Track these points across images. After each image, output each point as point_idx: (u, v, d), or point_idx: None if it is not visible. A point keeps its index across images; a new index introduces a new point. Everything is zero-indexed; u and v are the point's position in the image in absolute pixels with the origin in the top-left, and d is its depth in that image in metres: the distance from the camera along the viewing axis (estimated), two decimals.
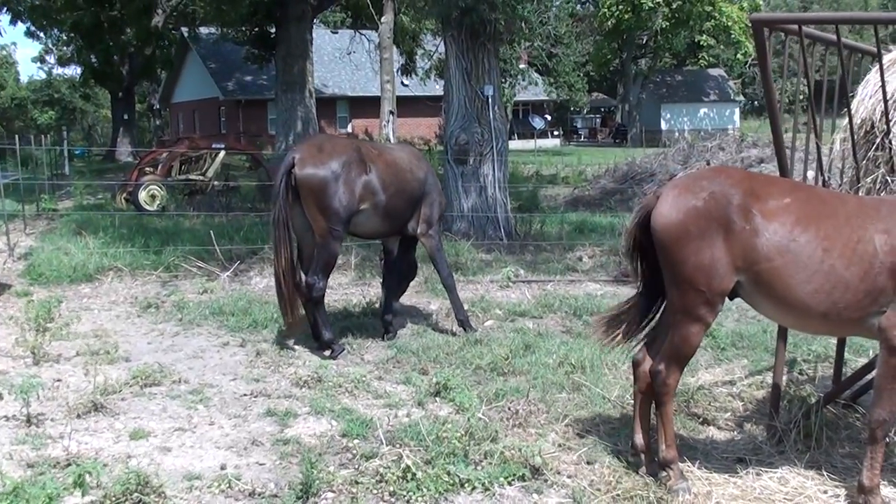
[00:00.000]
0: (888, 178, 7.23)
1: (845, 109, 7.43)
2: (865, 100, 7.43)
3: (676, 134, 50.38)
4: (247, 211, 22.64)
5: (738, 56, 69.75)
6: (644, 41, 77.71)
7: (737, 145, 31.06)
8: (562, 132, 79.15)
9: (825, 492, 6.79)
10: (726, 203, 6.33)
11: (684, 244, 6.38)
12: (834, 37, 7.10)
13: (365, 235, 11.66)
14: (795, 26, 7.30)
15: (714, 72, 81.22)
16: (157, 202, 24.36)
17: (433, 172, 11.56)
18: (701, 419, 8.36)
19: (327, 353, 10.34)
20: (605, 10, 69.96)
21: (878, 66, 7.16)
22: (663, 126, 73.18)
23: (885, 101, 7.06)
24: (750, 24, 7.26)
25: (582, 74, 71.65)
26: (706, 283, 6.36)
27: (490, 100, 18.67)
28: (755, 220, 6.30)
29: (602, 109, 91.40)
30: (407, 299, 12.64)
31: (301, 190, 10.10)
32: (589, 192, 28.44)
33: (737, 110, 78.31)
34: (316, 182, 10.07)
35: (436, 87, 47.54)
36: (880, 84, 7.02)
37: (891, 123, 7.08)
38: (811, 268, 6.25)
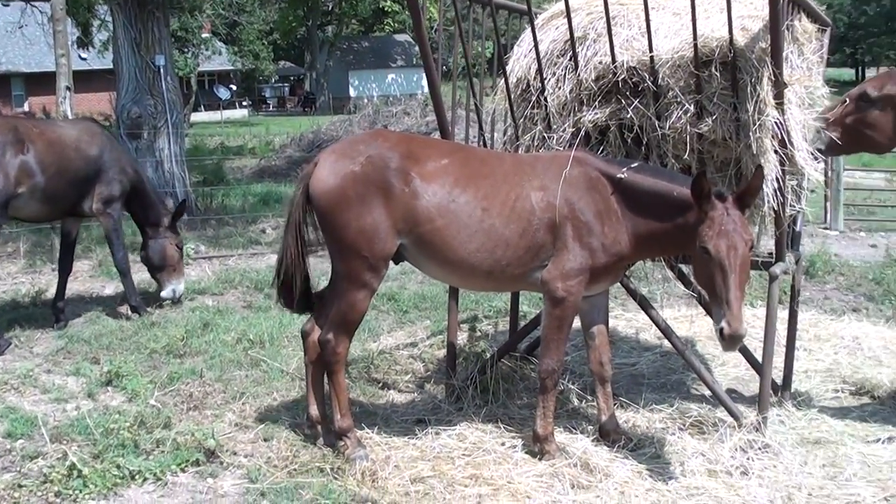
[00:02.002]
0: (545, 134, 7.40)
1: (502, 70, 7.55)
2: (520, 59, 7.56)
3: (365, 100, 50.52)
4: None
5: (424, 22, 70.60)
6: (329, 8, 77.55)
7: (421, 110, 31.50)
8: (250, 102, 78.12)
9: (503, 444, 6.94)
10: (384, 166, 6.31)
11: (344, 210, 6.32)
12: None
13: (30, 219, 10.99)
14: None
15: (400, 37, 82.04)
16: None
17: (115, 149, 10.99)
18: (381, 384, 8.40)
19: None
20: None
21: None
22: (352, 93, 73.34)
23: (539, 60, 7.20)
24: None
25: (267, 43, 70.83)
26: (369, 248, 6.33)
27: (162, 70, 18.02)
28: (414, 182, 6.31)
29: (290, 78, 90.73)
30: (80, 284, 12.09)
31: None
32: (275, 163, 28.18)
33: (424, 75, 79.57)
34: None
35: (111, 61, 45.15)
36: (533, 43, 7.16)
37: (545, 81, 7.24)
38: (472, 227, 6.33)
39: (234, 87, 71.39)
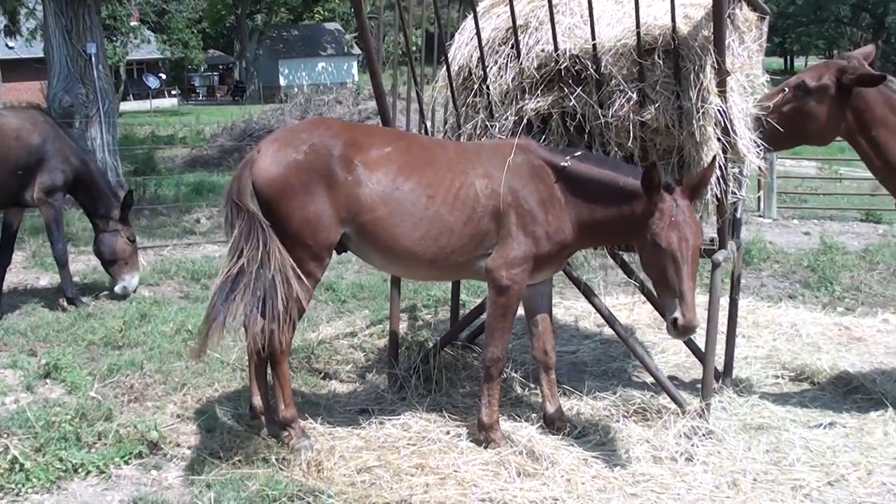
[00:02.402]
0: (487, 123, 7.39)
1: (443, 58, 7.52)
2: (462, 47, 7.53)
3: (295, 89, 50.18)
4: None
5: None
6: None
7: (353, 98, 31.42)
8: (179, 91, 77.24)
9: (448, 433, 6.92)
10: (327, 155, 6.24)
11: (287, 199, 6.25)
12: None
13: None
14: None
15: (330, 26, 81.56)
16: None
17: (59, 138, 10.73)
18: (323, 374, 8.36)
19: None
20: None
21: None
22: (282, 82, 72.73)
23: (481, 48, 7.18)
24: None
25: (196, 31, 70.01)
26: (312, 238, 6.27)
27: (94, 59, 17.74)
28: (357, 170, 6.26)
29: (220, 67, 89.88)
30: (14, 275, 11.87)
31: None
32: (207, 152, 27.89)
33: (355, 64, 79.12)
34: None
35: (42, 49, 44.44)
36: (475, 31, 7.13)
37: (487, 69, 7.22)
38: (417, 215, 6.30)
39: (163, 76, 70.52)
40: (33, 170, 10.41)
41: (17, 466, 6.13)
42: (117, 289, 11.11)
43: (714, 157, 6.26)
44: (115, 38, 51.00)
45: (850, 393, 7.88)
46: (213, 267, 12.42)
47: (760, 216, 17.19)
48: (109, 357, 8.67)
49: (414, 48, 8.15)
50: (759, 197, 17.28)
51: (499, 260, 6.47)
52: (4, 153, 10.09)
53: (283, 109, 31.63)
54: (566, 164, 6.43)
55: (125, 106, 56.26)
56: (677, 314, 5.83)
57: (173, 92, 74.03)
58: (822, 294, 11.41)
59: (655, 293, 6.47)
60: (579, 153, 6.52)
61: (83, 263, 12.90)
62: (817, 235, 14.95)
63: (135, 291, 11.22)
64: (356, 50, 76.08)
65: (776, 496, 5.95)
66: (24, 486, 6.01)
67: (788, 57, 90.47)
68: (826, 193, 20.25)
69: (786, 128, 6.98)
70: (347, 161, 6.27)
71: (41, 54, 20.09)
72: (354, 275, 12.15)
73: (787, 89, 7.10)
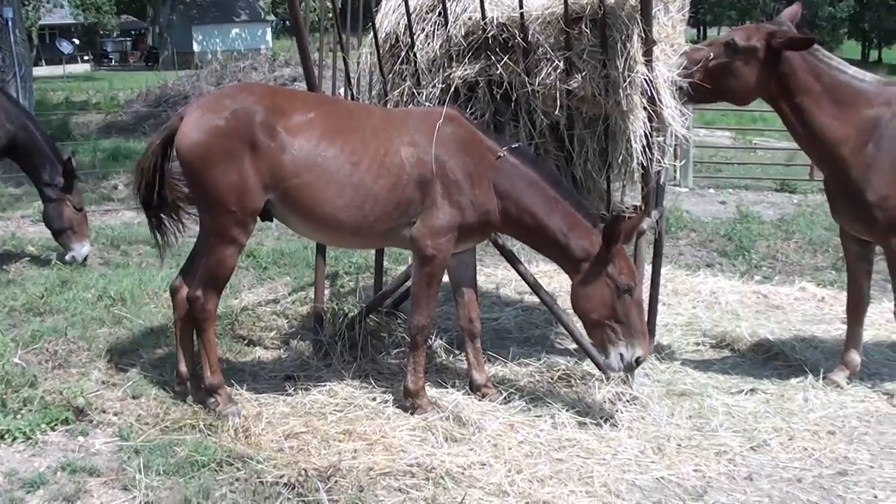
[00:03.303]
0: (415, 90, 7.39)
1: (370, 24, 7.49)
2: (389, 14, 7.51)
3: (209, 55, 49.48)
4: None
5: None
6: None
7: (269, 65, 31.13)
8: (92, 56, 75.81)
9: (374, 399, 6.97)
10: (249, 121, 6.21)
11: (210, 165, 6.21)
12: None
13: None
14: None
15: None
16: None
17: None
18: (247, 340, 8.32)
19: None
20: None
21: None
22: (196, 48, 71.61)
23: (409, 15, 7.17)
24: None
25: None
26: (236, 204, 6.24)
27: (10, 23, 17.43)
28: (280, 136, 6.23)
29: (133, 32, 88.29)
30: None
31: None
32: (122, 118, 27.45)
33: (269, 30, 78.22)
34: None
35: None
36: None
37: (414, 37, 7.21)
38: (340, 182, 6.29)
39: (76, 42, 69.23)
40: None
41: None
42: (67, 258, 10.91)
43: (643, 212, 6.73)
44: (28, 3, 50.00)
45: (770, 360, 8.07)
46: (133, 233, 12.34)
47: (677, 185, 17.39)
48: (32, 324, 8.51)
49: (329, 14, 8.09)
50: (675, 166, 17.49)
51: (423, 229, 6.49)
52: None
53: (198, 76, 31.21)
54: (501, 155, 6.55)
55: (38, 71, 54.88)
56: (639, 351, 6.34)
57: (86, 57, 72.71)
58: (740, 263, 11.61)
59: (589, 334, 6.72)
60: (515, 146, 6.67)
61: (1, 230, 12.66)
62: (733, 205, 15.19)
63: (85, 260, 11.02)
64: (271, 16, 75.36)
65: (700, 461, 6.06)
66: None
67: (701, 27, 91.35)
68: (741, 163, 20.51)
69: (709, 83, 7.06)
70: (270, 127, 6.23)
71: None
72: (275, 242, 12.09)
73: (714, 45, 7.19)
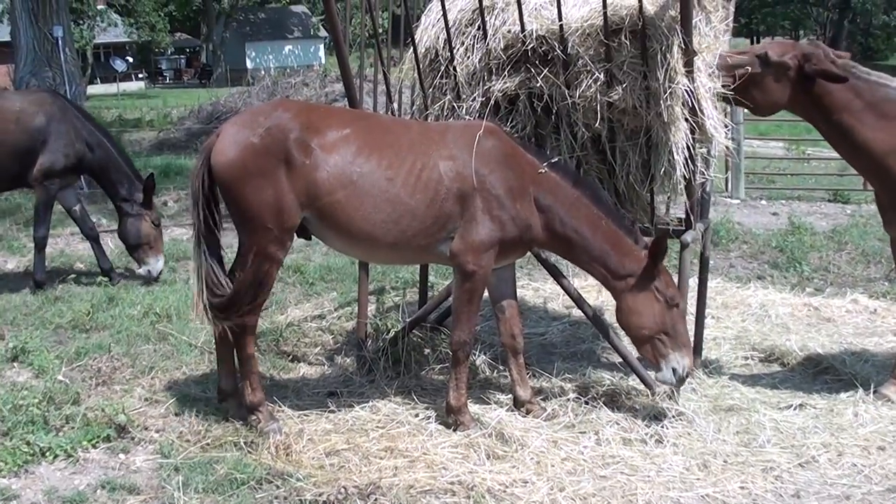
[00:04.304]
0: (455, 104, 7.36)
1: (410, 39, 7.48)
2: (429, 28, 7.49)
3: (262, 72, 49.81)
4: None
5: None
6: None
7: (320, 80, 31.22)
8: (146, 74, 76.71)
9: (417, 415, 6.92)
10: (284, 138, 6.20)
11: (245, 183, 6.22)
12: None
13: None
14: None
15: (297, 8, 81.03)
16: None
17: (67, 120, 10.68)
18: (291, 357, 8.33)
19: None
20: None
21: None
22: (249, 65, 72.21)
23: (448, 29, 7.14)
24: None
25: (164, 14, 69.50)
26: (272, 221, 6.25)
27: (60, 42, 17.62)
28: (314, 153, 6.22)
29: (187, 50, 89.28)
30: None
31: None
32: (174, 135, 27.67)
33: (321, 46, 78.71)
34: None
35: (8, 33, 43.75)
36: (442, 12, 7.09)
37: (454, 51, 7.18)
38: (376, 197, 6.26)
39: (130, 60, 69.97)
40: (36, 152, 10.45)
41: None
42: (141, 272, 11.04)
43: (665, 233, 6.72)
44: (81, 22, 50.68)
45: (820, 374, 7.92)
46: (180, 250, 12.40)
47: (728, 197, 17.20)
48: (77, 340, 8.60)
49: (381, 30, 8.11)
50: (727, 178, 17.29)
51: (463, 245, 6.45)
52: (2, 136, 10.16)
53: (249, 92, 31.37)
54: (542, 171, 6.57)
55: (92, 89, 55.77)
56: (686, 361, 6.50)
57: (140, 75, 73.58)
58: (791, 275, 11.43)
59: (638, 349, 6.78)
60: (556, 161, 6.69)
61: (50, 247, 12.75)
62: (785, 216, 14.97)
63: (158, 276, 11.10)
64: (323, 33, 75.72)
65: (747, 478, 5.96)
66: None
67: (755, 37, 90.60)
68: (794, 174, 20.25)
69: (735, 90, 6.95)
70: (304, 144, 6.22)
71: (8, 38, 19.94)
72: (322, 257, 12.08)
73: (748, 54, 7.11)
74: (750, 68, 6.96)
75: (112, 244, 12.43)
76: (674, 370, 6.47)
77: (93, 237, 11.12)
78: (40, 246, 10.81)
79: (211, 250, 6.61)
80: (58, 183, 10.70)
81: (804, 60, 6.85)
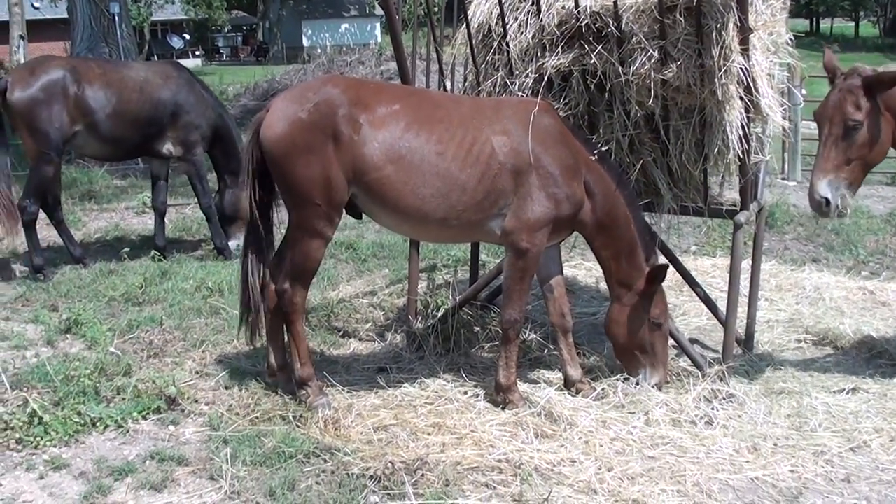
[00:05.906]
0: (507, 80, 7.32)
1: (463, 15, 7.44)
2: (482, 4, 7.45)
3: (318, 50, 49.87)
4: None
5: None
6: None
7: (376, 59, 31.24)
8: (203, 52, 77.10)
9: (465, 392, 6.92)
10: (332, 113, 6.18)
11: (293, 158, 6.21)
12: None
13: (95, 157, 12.19)
14: None
15: None
16: None
17: (194, 93, 10.94)
18: (342, 332, 8.36)
19: (40, 276, 10.01)
20: None
21: None
22: (305, 42, 72.32)
23: (501, 5, 7.10)
24: None
25: None
26: (321, 197, 6.23)
27: (117, 18, 17.76)
28: (363, 129, 6.19)
29: (243, 27, 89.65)
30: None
31: (11, 114, 9.91)
32: (231, 111, 27.80)
33: (378, 25, 78.62)
34: (23, 105, 9.87)
35: (65, 9, 44.09)
36: None
37: (507, 27, 7.14)
38: (426, 172, 6.24)
39: (187, 37, 70.51)
40: (160, 123, 10.65)
41: (37, 420, 6.15)
42: (232, 244, 11.20)
43: (666, 266, 6.89)
44: None
45: (874, 358, 7.81)
46: None
47: (785, 179, 17.00)
48: (130, 313, 8.70)
49: (435, 8, 8.08)
50: (783, 159, 17.07)
51: (518, 222, 6.42)
52: (125, 106, 10.38)
53: (305, 69, 31.50)
54: (596, 155, 6.67)
55: None
56: (656, 379, 6.88)
57: (197, 52, 73.96)
58: (847, 258, 11.29)
59: (619, 356, 7.06)
60: (604, 152, 6.84)
61: (105, 221, 12.93)
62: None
63: None
64: (379, 11, 75.63)
65: (797, 462, 5.90)
66: (42, 439, 6.03)
67: (814, 19, 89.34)
68: None
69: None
70: (352, 120, 6.21)
71: (66, 15, 20.11)
72: (375, 234, 12.10)
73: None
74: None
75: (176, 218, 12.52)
76: (657, 386, 6.85)
77: (161, 212, 11.25)
78: (209, 215, 11.21)
79: (259, 237, 6.78)
80: (200, 153, 10.98)
81: (866, 86, 6.46)
